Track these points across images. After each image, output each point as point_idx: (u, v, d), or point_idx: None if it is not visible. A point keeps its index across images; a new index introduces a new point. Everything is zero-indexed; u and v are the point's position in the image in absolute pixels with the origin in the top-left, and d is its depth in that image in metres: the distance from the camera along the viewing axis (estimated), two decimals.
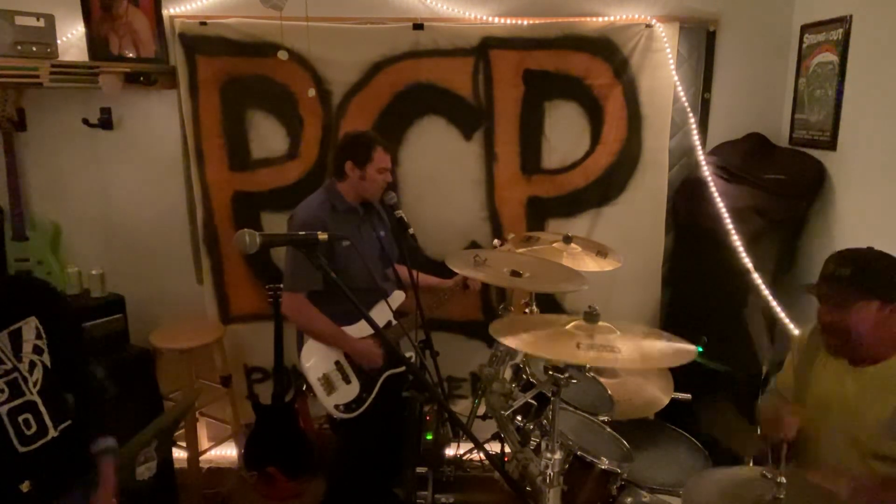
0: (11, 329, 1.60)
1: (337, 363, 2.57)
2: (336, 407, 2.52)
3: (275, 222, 3.12)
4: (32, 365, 1.61)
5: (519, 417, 2.17)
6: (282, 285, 2.65)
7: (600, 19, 2.96)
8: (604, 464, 1.87)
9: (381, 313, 2.53)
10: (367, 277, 2.49)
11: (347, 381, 2.56)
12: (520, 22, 2.95)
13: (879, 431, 1.68)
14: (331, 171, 2.65)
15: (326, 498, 2.82)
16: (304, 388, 2.64)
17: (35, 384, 1.61)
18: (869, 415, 1.71)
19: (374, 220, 2.67)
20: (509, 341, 1.64)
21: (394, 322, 2.59)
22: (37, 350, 1.62)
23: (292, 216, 2.59)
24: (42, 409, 1.61)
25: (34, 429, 1.59)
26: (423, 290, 2.74)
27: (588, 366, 2.22)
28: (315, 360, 2.55)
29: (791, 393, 1.99)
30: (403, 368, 2.66)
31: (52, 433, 1.63)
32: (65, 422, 1.69)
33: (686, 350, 1.61)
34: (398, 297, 2.70)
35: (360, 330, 2.55)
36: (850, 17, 2.57)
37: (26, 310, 1.63)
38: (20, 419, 1.56)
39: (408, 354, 2.70)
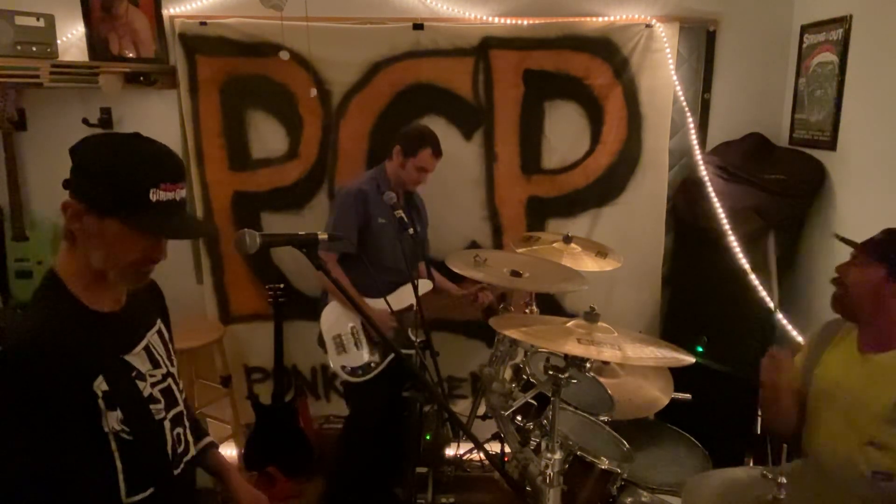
0: (157, 328, 1.35)
1: (353, 328, 2.69)
2: (342, 368, 2.66)
3: (275, 222, 3.12)
4: (178, 371, 1.38)
5: (519, 417, 2.17)
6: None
7: (600, 19, 2.96)
8: (604, 464, 1.87)
9: (405, 294, 2.65)
10: (395, 258, 2.62)
11: (358, 347, 2.68)
12: (520, 22, 2.95)
13: (880, 418, 1.69)
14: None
15: (333, 474, 2.90)
16: (317, 341, 2.75)
17: (182, 391, 1.37)
18: (872, 401, 1.72)
19: (412, 213, 2.77)
20: (509, 332, 1.67)
21: (415, 307, 2.63)
22: (175, 354, 1.39)
23: (341, 186, 2.84)
24: (186, 421, 1.36)
25: (182, 445, 1.33)
26: (437, 290, 2.83)
27: (588, 366, 2.22)
28: (333, 320, 2.71)
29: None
30: (414, 351, 2.69)
31: (192, 451, 1.38)
32: (199, 437, 1.47)
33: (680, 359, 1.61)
34: (425, 284, 2.76)
35: (376, 304, 2.63)
36: (850, 17, 2.57)
37: (156, 310, 1.41)
38: (175, 433, 1.30)
39: (420, 339, 2.72)
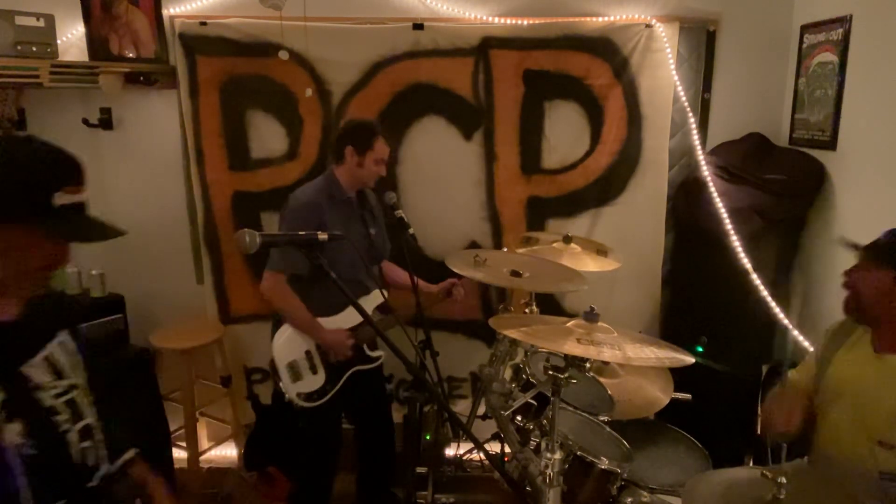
0: (61, 340, 1.31)
1: (307, 352, 2.57)
2: (298, 395, 2.53)
3: (275, 222, 3.10)
4: (89, 382, 1.35)
5: (519, 417, 2.17)
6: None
7: (600, 19, 2.96)
8: (604, 464, 1.87)
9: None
10: (351, 271, 2.47)
11: (314, 372, 2.57)
12: (520, 22, 2.95)
13: (893, 418, 1.69)
14: (331, 157, 2.62)
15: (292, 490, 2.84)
16: (269, 368, 2.66)
17: (92, 405, 1.34)
18: (885, 401, 1.72)
19: (366, 216, 2.65)
20: (509, 332, 1.67)
21: (387, 311, 2.62)
22: (87, 367, 1.36)
23: (288, 199, 2.55)
24: (100, 435, 1.34)
25: (93, 459, 1.32)
26: (409, 291, 2.73)
27: (588, 366, 2.23)
28: (286, 346, 2.56)
29: (804, 386, 1.99)
30: (371, 365, 2.68)
31: (108, 466, 1.36)
32: (119, 455, 1.42)
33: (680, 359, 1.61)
34: (377, 297, 2.65)
35: (334, 323, 2.56)
36: (850, 17, 2.57)
37: (61, 321, 1.36)
38: (81, 446, 1.28)
39: (376, 354, 2.70)
